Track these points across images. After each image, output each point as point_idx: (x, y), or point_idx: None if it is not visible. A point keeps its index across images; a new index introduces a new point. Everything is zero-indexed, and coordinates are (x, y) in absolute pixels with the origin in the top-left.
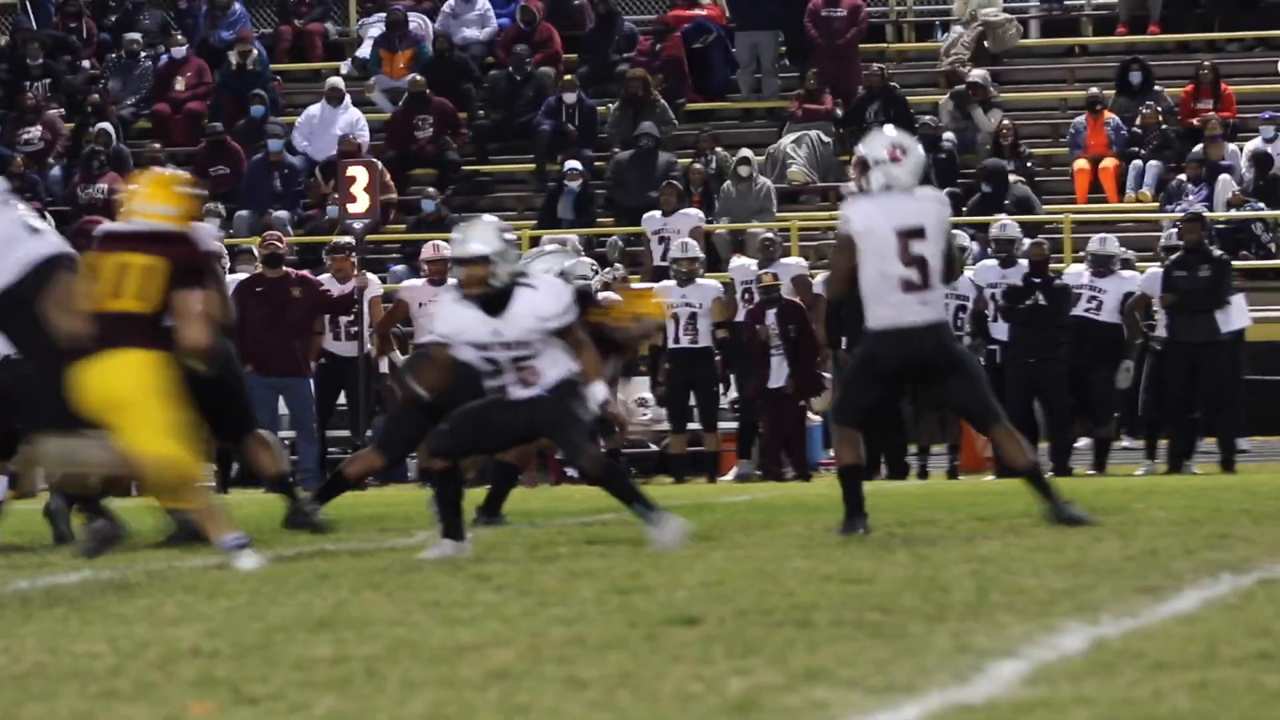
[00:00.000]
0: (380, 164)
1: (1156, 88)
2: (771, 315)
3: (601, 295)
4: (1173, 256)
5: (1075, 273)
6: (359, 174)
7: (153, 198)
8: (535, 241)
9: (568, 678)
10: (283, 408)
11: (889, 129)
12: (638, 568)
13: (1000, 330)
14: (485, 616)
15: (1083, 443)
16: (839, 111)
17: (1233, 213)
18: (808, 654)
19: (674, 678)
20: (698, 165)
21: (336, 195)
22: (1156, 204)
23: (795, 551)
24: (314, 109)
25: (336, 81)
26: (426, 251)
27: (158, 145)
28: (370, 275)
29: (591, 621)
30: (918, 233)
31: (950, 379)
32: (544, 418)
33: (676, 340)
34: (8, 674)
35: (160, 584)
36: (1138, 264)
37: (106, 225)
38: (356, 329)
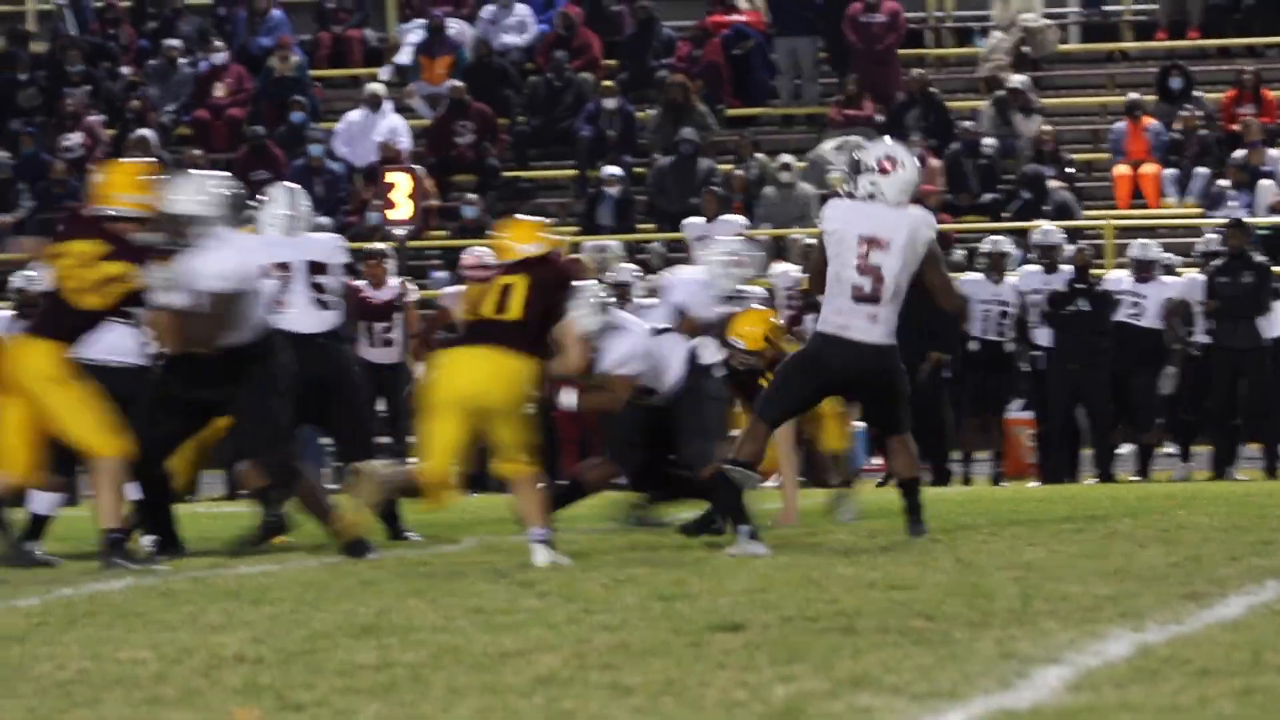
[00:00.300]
0: (421, 170)
1: (1196, 93)
2: (810, 321)
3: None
4: (1215, 262)
5: (1117, 278)
6: (399, 180)
7: (519, 239)
8: (575, 248)
9: (612, 684)
10: None
11: (889, 141)
12: (682, 575)
13: (1043, 336)
14: (530, 623)
15: (1126, 448)
16: (879, 117)
17: (1275, 218)
18: (852, 660)
19: (718, 684)
20: (738, 171)
21: (377, 201)
22: (1199, 209)
23: (839, 558)
24: (354, 115)
25: (376, 88)
26: (467, 258)
27: (198, 151)
28: (407, 282)
29: (636, 628)
30: (881, 244)
31: (878, 396)
32: (677, 420)
33: None
34: (52, 681)
35: (204, 591)
36: (1180, 269)
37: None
38: (394, 336)
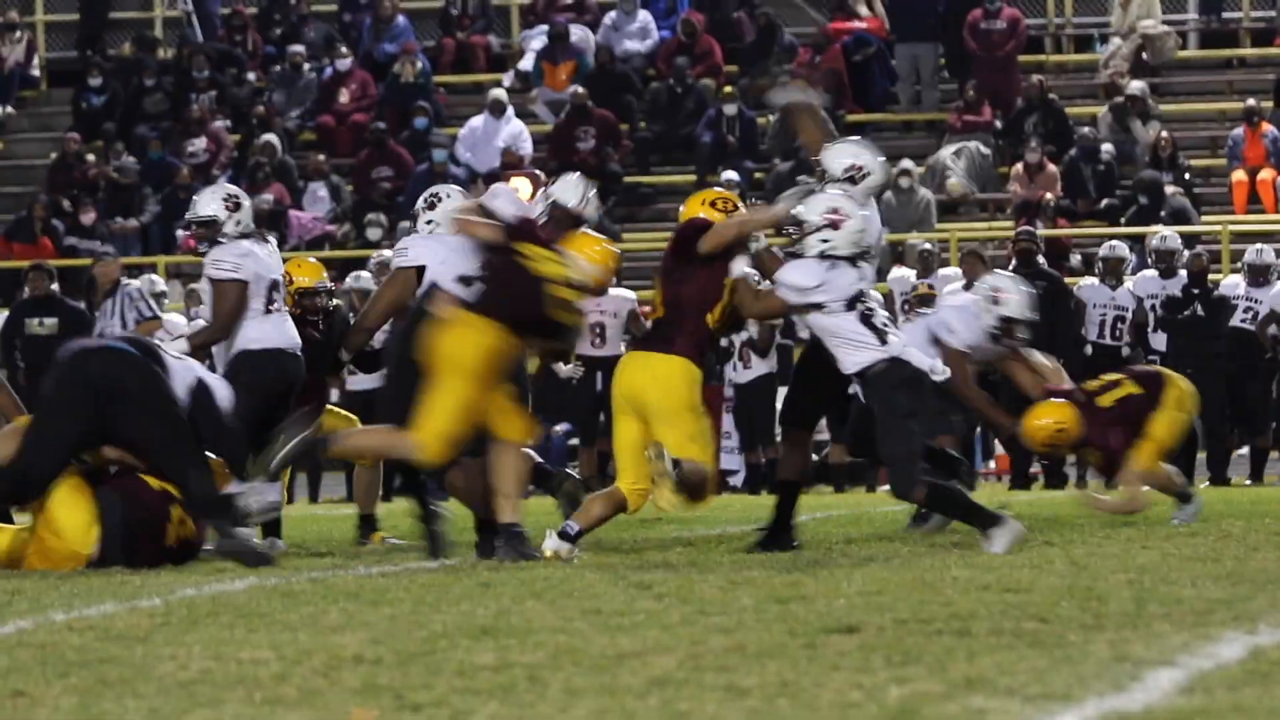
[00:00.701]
0: (543, 175)
1: None
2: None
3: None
4: None
5: (1232, 283)
6: (521, 185)
7: (688, 211)
8: None
9: (728, 685)
10: None
11: (852, 142)
12: (797, 577)
13: (1159, 340)
14: (646, 624)
15: (1240, 452)
16: (998, 123)
17: None
18: (966, 662)
19: (833, 686)
20: None
21: None
22: None
23: (954, 561)
24: (477, 121)
25: (499, 93)
26: None
27: (322, 157)
28: None
29: (751, 630)
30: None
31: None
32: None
33: None
34: (175, 680)
35: (324, 592)
36: None
37: None
38: None
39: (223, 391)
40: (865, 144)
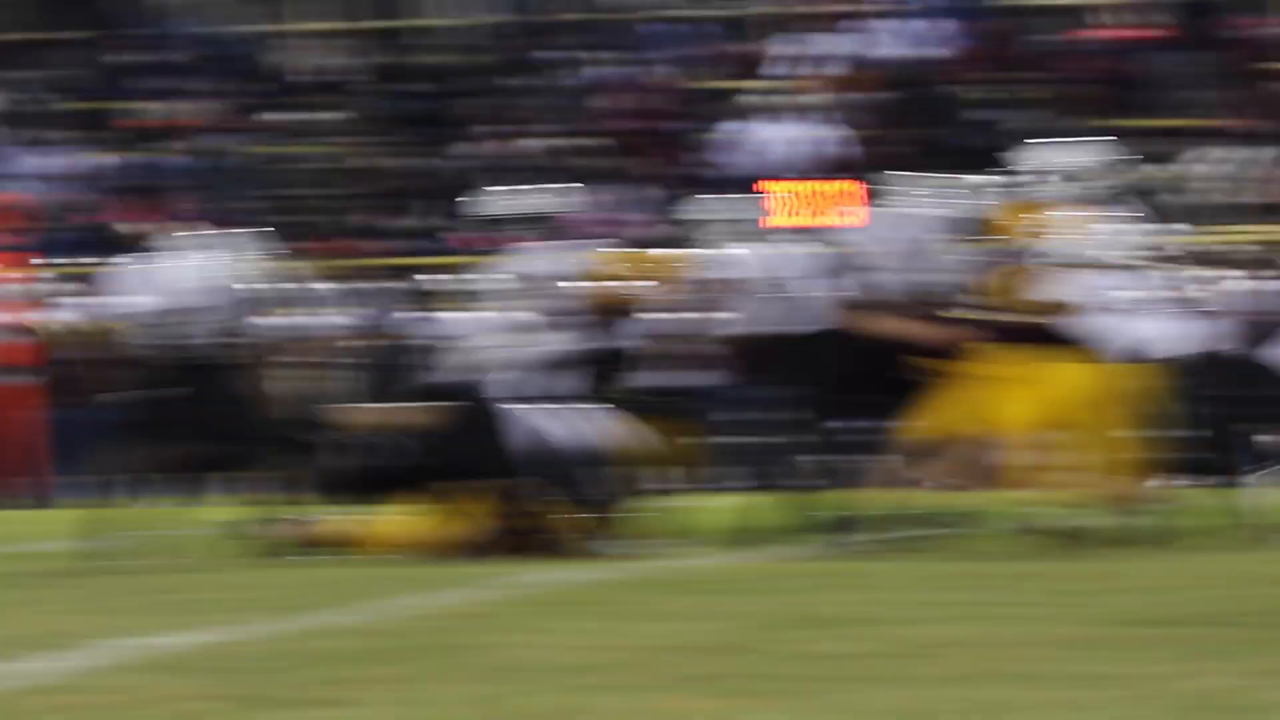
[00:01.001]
0: (800, 182)
1: None
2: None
3: None
4: None
5: None
6: (779, 191)
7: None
8: None
9: (1023, 674)
10: None
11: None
12: (1090, 568)
13: None
14: (943, 617)
15: None
16: (1266, 129)
17: None
18: (1262, 656)
19: (1130, 675)
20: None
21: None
22: None
23: (1248, 557)
24: (732, 127)
25: (753, 100)
26: None
27: (581, 163)
28: None
29: (1046, 620)
30: None
31: None
32: None
33: None
34: (490, 666)
35: (648, 581)
36: None
37: None
38: None
39: (562, 431)
40: (1079, 148)
